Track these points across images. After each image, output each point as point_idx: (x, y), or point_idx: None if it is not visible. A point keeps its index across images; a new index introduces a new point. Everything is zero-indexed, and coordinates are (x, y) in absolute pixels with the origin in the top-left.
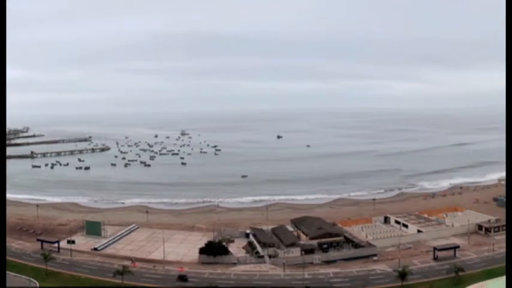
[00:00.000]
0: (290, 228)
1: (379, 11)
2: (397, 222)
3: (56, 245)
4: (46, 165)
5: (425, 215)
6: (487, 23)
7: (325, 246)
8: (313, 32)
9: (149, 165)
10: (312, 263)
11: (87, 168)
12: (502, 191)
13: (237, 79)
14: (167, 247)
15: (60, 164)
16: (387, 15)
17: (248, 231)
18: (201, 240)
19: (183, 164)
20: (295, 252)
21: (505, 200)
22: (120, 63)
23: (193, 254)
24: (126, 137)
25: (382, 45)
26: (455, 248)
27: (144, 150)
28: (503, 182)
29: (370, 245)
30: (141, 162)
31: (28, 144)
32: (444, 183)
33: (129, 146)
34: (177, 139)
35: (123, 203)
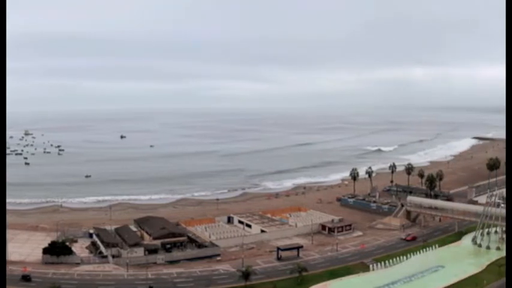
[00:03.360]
0: (133, 228)
1: (224, 13)
2: (240, 222)
3: None
4: None
5: (269, 215)
6: (337, 25)
7: (168, 246)
8: (160, 32)
9: None
10: (155, 263)
11: None
12: (345, 191)
13: (82, 79)
14: (10, 247)
15: None
16: (233, 16)
17: (91, 231)
18: (44, 240)
19: (27, 164)
20: (139, 252)
21: (348, 200)
22: None
23: (37, 254)
24: None
25: (228, 46)
26: (298, 248)
27: None
28: (347, 182)
29: (213, 245)
30: None
31: None
32: (287, 183)
33: None
34: (20, 139)
35: None
